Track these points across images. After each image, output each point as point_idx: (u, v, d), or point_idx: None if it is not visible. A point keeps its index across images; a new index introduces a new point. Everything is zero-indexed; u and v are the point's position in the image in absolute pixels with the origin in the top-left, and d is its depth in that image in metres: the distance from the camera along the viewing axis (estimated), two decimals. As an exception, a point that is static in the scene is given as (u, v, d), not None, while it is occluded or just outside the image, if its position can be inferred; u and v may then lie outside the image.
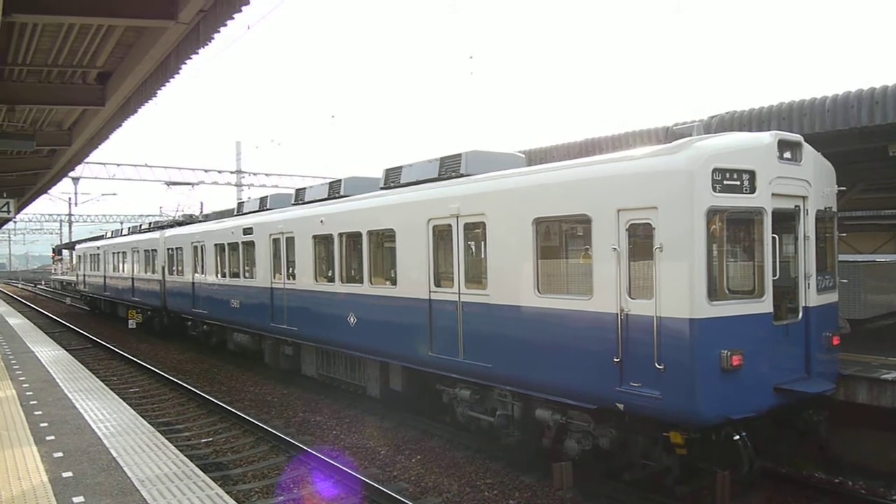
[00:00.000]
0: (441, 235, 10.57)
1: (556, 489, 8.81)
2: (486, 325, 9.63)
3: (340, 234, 13.08)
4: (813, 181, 8.31)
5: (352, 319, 12.63)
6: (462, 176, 10.76)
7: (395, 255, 11.51)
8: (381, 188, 12.61)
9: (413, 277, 11.05)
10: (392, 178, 12.45)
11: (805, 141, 8.30)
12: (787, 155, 7.96)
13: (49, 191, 31.13)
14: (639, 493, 8.57)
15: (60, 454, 8.04)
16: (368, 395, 13.12)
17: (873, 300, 13.02)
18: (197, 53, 9.55)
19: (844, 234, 10.02)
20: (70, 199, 55.65)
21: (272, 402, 14.68)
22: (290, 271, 15.15)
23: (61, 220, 71.59)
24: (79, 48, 10.74)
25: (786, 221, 8.21)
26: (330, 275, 13.57)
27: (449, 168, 11.12)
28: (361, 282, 12.51)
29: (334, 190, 14.40)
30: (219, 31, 8.83)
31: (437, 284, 10.60)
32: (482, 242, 9.88)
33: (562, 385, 8.51)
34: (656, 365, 7.32)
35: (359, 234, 12.51)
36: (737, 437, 7.38)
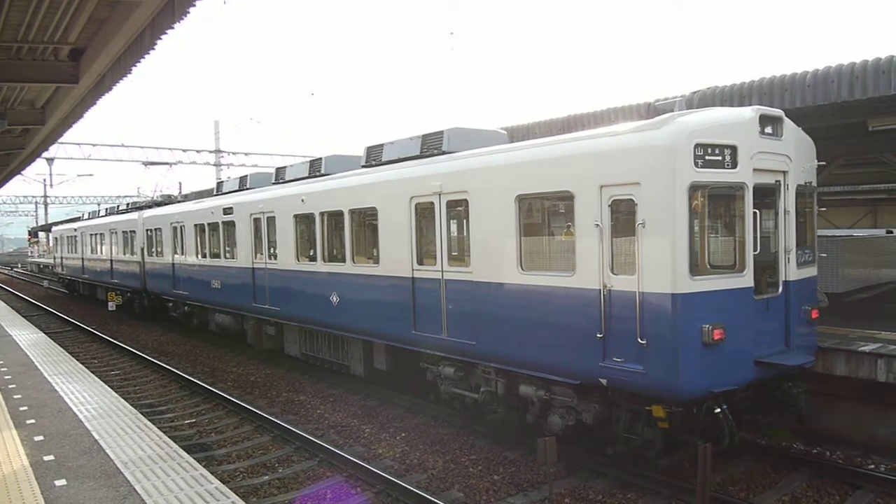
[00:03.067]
0: (423, 213, 10.51)
1: (540, 464, 8.88)
2: (469, 303, 9.63)
3: (322, 213, 12.98)
4: (793, 156, 8.35)
5: (334, 298, 12.58)
6: (444, 153, 10.69)
7: (378, 233, 11.44)
8: (363, 166, 12.50)
9: (395, 256, 11.00)
10: (373, 156, 12.34)
11: (786, 116, 8.32)
12: (769, 130, 7.98)
13: (23, 172, 30.51)
14: (622, 467, 8.67)
15: (41, 438, 7.96)
16: (352, 374, 13.13)
17: (851, 274, 13.21)
18: (172, 28, 9.34)
19: (824, 209, 10.10)
20: (45, 180, 54.79)
21: (255, 383, 14.64)
22: (272, 251, 15.02)
23: (36, 202, 70.50)
24: (50, 23, 10.46)
25: (766, 196, 8.26)
26: (312, 254, 13.48)
27: (431, 145, 11.03)
28: (343, 261, 12.44)
29: (315, 168, 14.25)
30: (194, 6, 8.65)
31: (420, 262, 10.57)
32: (465, 220, 9.84)
33: (545, 361, 8.55)
34: (639, 340, 7.37)
35: (340, 213, 12.41)
36: (718, 410, 7.47)
